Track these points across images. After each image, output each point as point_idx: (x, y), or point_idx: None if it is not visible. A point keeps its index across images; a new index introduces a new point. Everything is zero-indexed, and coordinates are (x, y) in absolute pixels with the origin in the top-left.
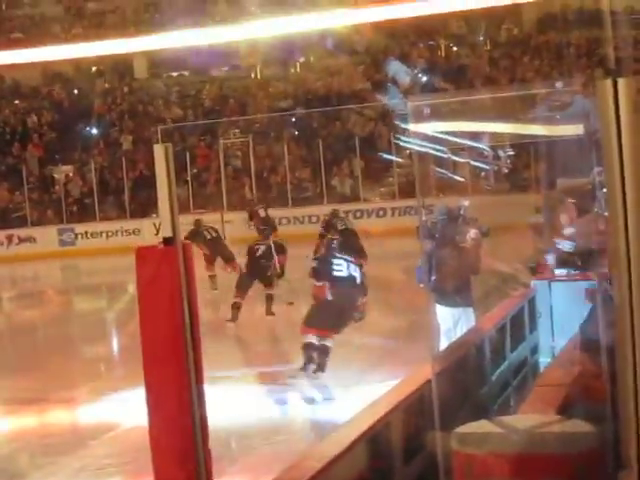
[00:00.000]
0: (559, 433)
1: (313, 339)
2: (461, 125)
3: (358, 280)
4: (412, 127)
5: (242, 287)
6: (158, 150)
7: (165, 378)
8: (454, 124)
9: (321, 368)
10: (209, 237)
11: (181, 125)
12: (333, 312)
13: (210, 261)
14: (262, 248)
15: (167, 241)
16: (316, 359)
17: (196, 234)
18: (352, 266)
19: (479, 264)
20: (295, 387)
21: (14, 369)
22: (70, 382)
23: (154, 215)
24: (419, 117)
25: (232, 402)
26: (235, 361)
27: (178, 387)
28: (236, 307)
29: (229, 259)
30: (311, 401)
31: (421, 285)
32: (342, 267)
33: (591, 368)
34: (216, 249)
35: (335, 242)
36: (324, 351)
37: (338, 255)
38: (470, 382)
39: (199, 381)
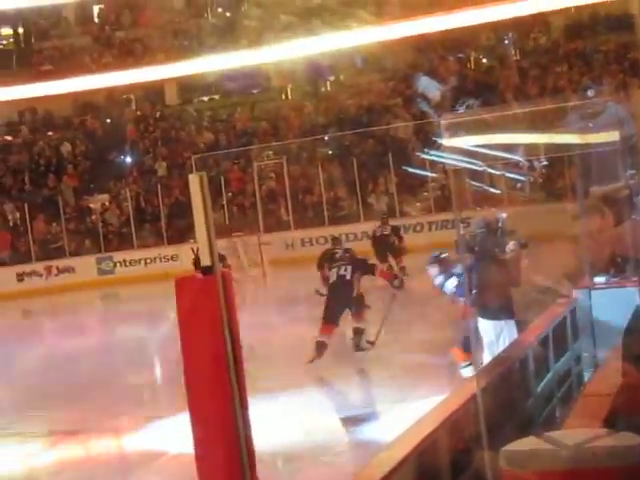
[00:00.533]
0: (608, 447)
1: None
2: (494, 138)
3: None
4: (446, 142)
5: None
6: (193, 180)
7: (209, 406)
8: (487, 137)
9: None
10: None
11: (215, 154)
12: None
13: None
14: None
15: (206, 270)
16: None
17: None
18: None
19: (519, 276)
20: (340, 407)
21: (57, 400)
22: (114, 411)
23: (192, 240)
24: (452, 132)
25: (277, 424)
26: (278, 381)
27: (223, 414)
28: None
29: None
30: (356, 420)
31: (461, 299)
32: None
33: (636, 378)
34: None
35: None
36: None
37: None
38: (515, 395)
39: (244, 407)
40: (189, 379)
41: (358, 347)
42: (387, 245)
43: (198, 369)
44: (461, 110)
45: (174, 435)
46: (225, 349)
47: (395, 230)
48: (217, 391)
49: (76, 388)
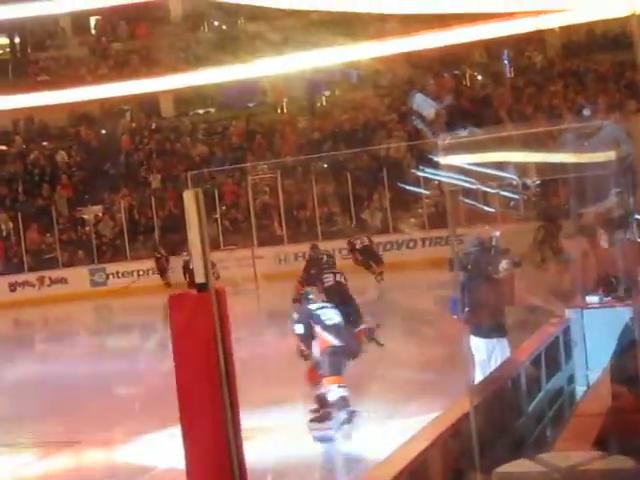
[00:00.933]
0: (600, 470)
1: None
2: (490, 157)
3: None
4: (442, 160)
5: None
6: (188, 196)
7: (201, 422)
8: (483, 156)
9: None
10: None
11: (212, 170)
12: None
13: None
14: None
15: (200, 287)
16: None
17: None
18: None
19: (513, 295)
20: (330, 423)
21: (48, 412)
22: (105, 424)
23: (184, 253)
24: (449, 151)
25: (268, 439)
26: (268, 397)
27: (214, 431)
28: None
29: None
30: (346, 437)
31: (455, 316)
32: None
33: (628, 401)
34: None
35: None
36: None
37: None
38: (506, 414)
39: (235, 423)
40: (182, 395)
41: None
42: (371, 254)
43: (191, 386)
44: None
45: (164, 449)
46: (218, 366)
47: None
48: (209, 408)
49: (67, 399)
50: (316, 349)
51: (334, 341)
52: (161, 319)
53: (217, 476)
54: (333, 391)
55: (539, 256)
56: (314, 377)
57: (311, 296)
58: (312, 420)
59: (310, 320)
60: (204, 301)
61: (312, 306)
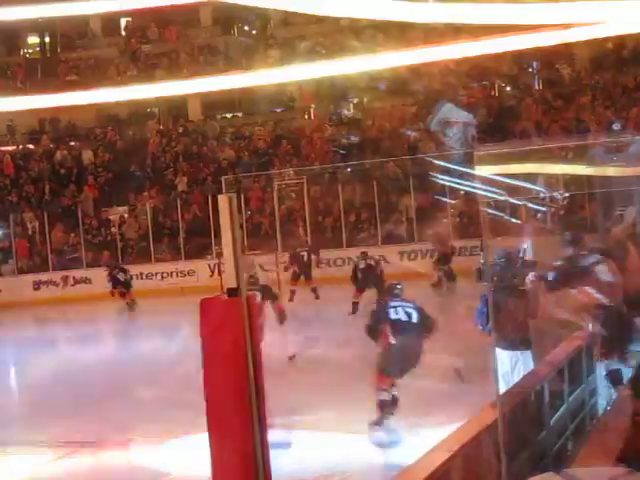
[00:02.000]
0: None
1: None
2: (519, 168)
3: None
4: (474, 171)
5: None
6: (223, 201)
7: (229, 429)
8: (512, 167)
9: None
10: None
11: (244, 175)
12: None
13: None
14: None
15: (231, 292)
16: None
17: None
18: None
19: (538, 308)
20: (355, 431)
21: (69, 412)
22: (124, 426)
23: (209, 257)
24: (480, 161)
25: (294, 446)
26: (292, 402)
27: (242, 437)
28: None
29: None
30: (370, 445)
31: (479, 327)
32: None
33: None
34: None
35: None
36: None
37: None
38: (529, 427)
39: (263, 431)
40: (210, 401)
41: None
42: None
43: (219, 389)
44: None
45: (182, 455)
46: (247, 371)
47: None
48: (237, 414)
49: (88, 400)
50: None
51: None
52: (185, 322)
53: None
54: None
55: None
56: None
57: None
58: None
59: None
60: (235, 306)
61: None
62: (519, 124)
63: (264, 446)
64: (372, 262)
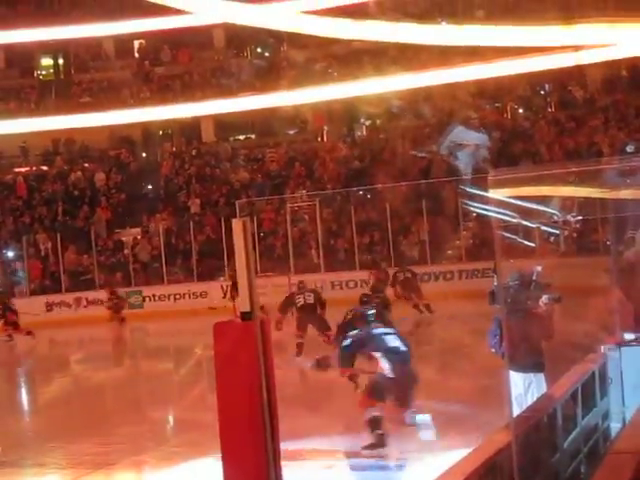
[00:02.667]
0: None
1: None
2: (532, 191)
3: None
4: (488, 194)
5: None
6: (237, 225)
7: (242, 451)
8: (525, 190)
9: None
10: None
11: (258, 200)
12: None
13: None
14: None
15: (245, 316)
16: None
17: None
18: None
19: (551, 330)
20: (366, 453)
21: (82, 433)
22: (138, 447)
23: (221, 278)
24: (493, 184)
25: (301, 469)
26: (300, 425)
27: (255, 460)
28: None
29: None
30: (382, 468)
31: (492, 350)
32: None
33: None
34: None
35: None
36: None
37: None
38: (542, 450)
39: (276, 453)
40: (223, 424)
41: None
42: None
43: (233, 414)
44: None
45: (195, 477)
46: (261, 395)
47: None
48: (251, 437)
49: (101, 421)
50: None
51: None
52: (197, 344)
53: None
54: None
55: None
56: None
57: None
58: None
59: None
60: (249, 330)
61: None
62: (532, 146)
63: (277, 469)
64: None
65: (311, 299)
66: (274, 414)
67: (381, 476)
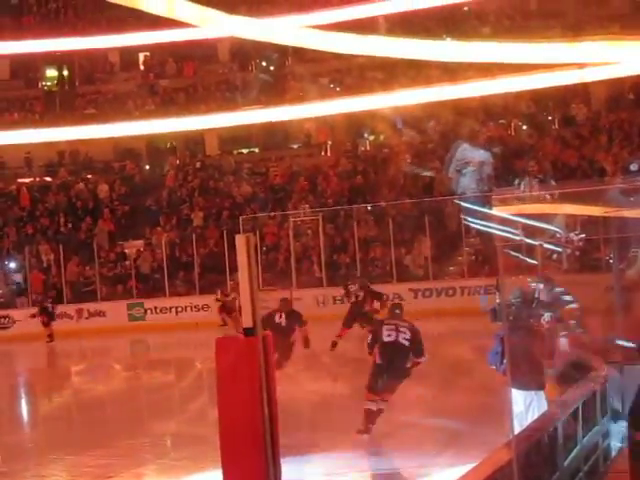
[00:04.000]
0: None
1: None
2: (535, 208)
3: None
4: (491, 211)
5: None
6: (240, 240)
7: (243, 466)
8: (529, 208)
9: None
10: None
11: (262, 215)
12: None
13: None
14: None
15: (248, 332)
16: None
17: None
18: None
19: (553, 348)
20: (364, 468)
21: (82, 445)
22: (138, 459)
23: (219, 292)
24: (497, 202)
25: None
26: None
27: (255, 475)
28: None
29: None
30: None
31: (493, 367)
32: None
33: None
34: None
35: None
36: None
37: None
38: (542, 468)
39: (276, 467)
40: (224, 437)
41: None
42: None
43: (234, 429)
44: (522, 187)
45: None
46: (262, 411)
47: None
48: (251, 451)
49: (101, 434)
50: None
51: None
52: (198, 357)
53: None
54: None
55: None
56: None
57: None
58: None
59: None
60: (251, 346)
61: None
62: (535, 163)
63: None
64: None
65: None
66: (275, 429)
67: None
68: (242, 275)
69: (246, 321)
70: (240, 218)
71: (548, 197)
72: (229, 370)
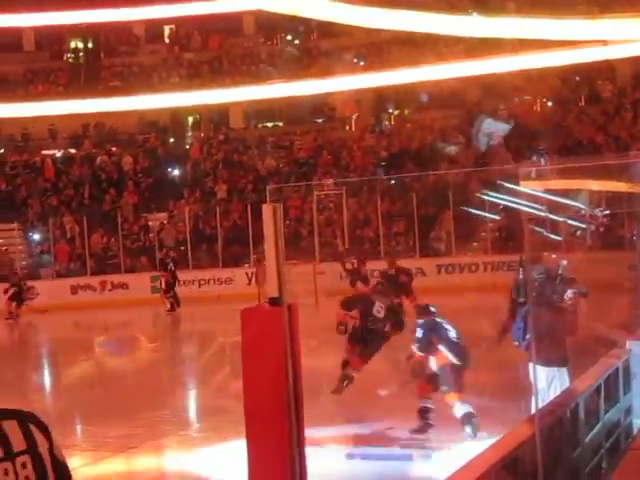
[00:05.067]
0: None
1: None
2: (560, 183)
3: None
4: (517, 187)
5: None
6: (267, 210)
7: (267, 436)
8: (554, 184)
9: None
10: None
11: (288, 185)
12: None
13: None
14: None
15: (273, 301)
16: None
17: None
18: None
19: (576, 325)
20: (392, 442)
21: (104, 416)
22: (160, 431)
23: (247, 265)
24: (523, 177)
25: (326, 458)
26: (324, 412)
27: (280, 445)
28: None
29: None
30: (407, 458)
31: (516, 343)
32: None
33: None
34: None
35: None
36: None
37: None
38: (564, 444)
39: (300, 441)
40: (249, 408)
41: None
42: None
43: (258, 399)
44: (536, 159)
45: (217, 461)
46: (287, 381)
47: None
48: (275, 422)
49: (122, 405)
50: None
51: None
52: (220, 330)
53: None
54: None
55: None
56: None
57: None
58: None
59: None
60: (276, 316)
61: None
62: (560, 140)
63: (301, 454)
64: None
65: None
66: (299, 400)
67: (404, 466)
68: (268, 244)
69: (272, 290)
70: (267, 188)
71: (569, 172)
72: (254, 340)
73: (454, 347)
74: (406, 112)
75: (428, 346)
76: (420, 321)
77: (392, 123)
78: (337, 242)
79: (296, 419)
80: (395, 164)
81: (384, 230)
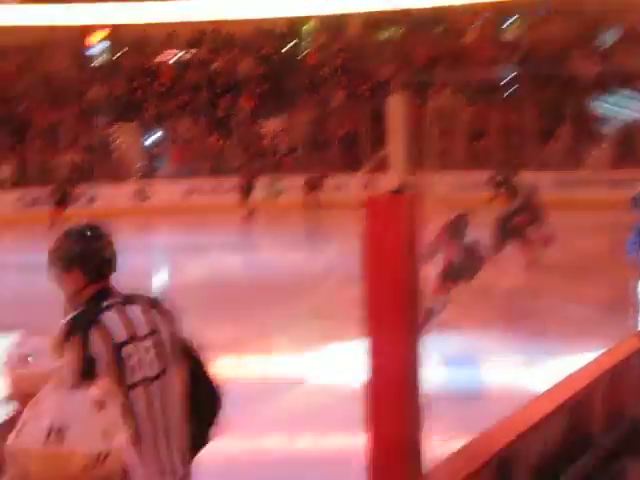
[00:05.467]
0: None
1: None
2: None
3: None
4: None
5: None
6: (393, 102)
7: (389, 329)
8: None
9: None
10: None
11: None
12: None
13: None
14: None
15: (397, 191)
16: None
17: None
18: None
19: None
20: (493, 351)
21: (214, 316)
22: (270, 331)
23: (361, 172)
24: None
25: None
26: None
27: (401, 338)
28: None
29: None
30: (508, 366)
31: (630, 256)
32: None
33: None
34: None
35: None
36: None
37: None
38: None
39: (417, 342)
40: (370, 299)
41: None
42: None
43: (378, 290)
44: None
45: (320, 364)
46: (407, 275)
47: None
48: (399, 313)
49: (234, 305)
50: None
51: None
52: (332, 235)
53: (397, 387)
54: None
55: None
56: None
57: None
58: None
59: None
60: (399, 203)
61: None
62: None
63: (419, 354)
64: None
65: None
66: (417, 287)
67: (504, 371)
68: (394, 136)
69: (396, 181)
70: (390, 83)
71: None
72: (374, 230)
73: None
74: (529, 22)
75: None
76: None
77: (514, 33)
78: (454, 151)
79: (414, 307)
80: (515, 75)
81: (499, 142)
